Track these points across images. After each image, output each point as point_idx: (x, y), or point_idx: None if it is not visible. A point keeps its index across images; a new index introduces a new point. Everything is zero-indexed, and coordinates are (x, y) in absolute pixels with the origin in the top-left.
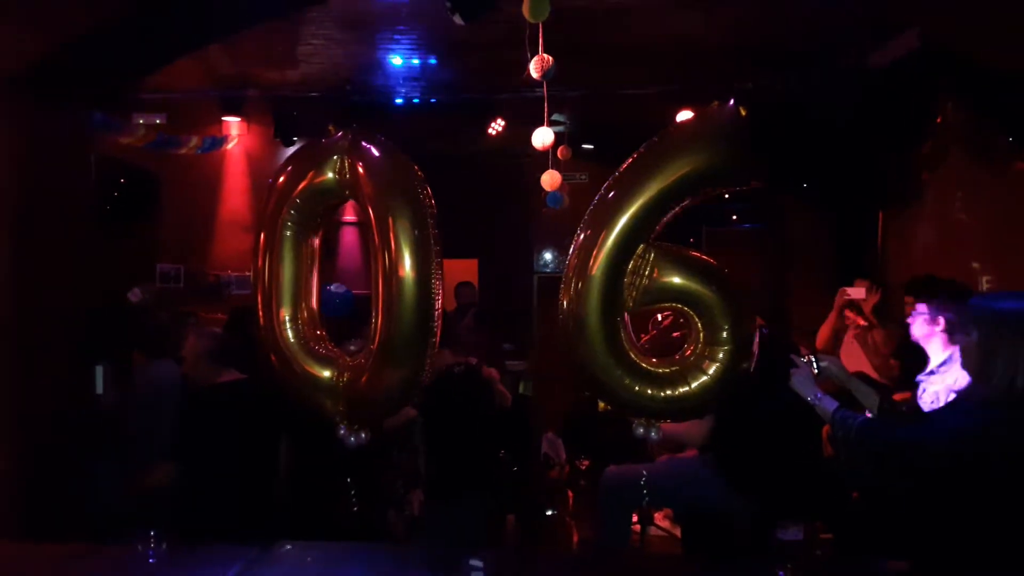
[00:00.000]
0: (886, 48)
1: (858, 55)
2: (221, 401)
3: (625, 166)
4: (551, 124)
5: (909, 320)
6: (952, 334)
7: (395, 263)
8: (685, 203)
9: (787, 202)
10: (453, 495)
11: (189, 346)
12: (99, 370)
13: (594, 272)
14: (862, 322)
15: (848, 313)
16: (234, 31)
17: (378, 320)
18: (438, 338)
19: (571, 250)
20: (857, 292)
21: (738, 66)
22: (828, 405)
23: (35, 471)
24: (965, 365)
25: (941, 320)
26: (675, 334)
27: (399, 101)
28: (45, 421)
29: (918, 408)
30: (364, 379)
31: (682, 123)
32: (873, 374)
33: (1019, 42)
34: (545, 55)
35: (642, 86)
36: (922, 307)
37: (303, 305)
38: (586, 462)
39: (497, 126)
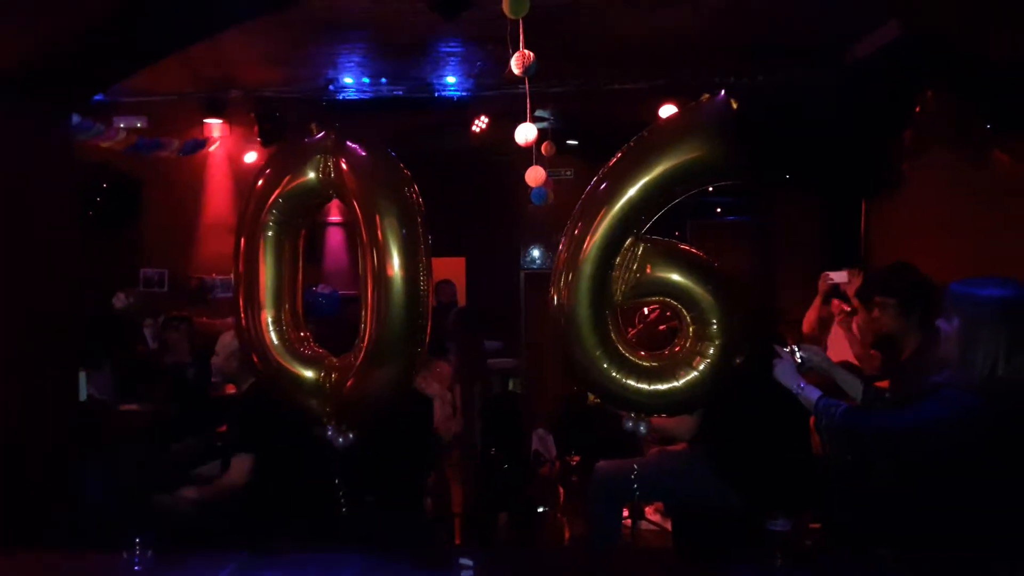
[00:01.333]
0: (868, 38)
1: (840, 46)
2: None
3: (615, 159)
4: (535, 120)
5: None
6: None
7: (383, 262)
8: (677, 197)
9: (771, 194)
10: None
11: (223, 343)
12: (83, 376)
13: (583, 265)
14: (847, 307)
15: (834, 300)
16: (214, 32)
17: (367, 320)
18: (428, 337)
19: (561, 244)
20: (840, 276)
21: (722, 60)
22: (811, 394)
23: (18, 478)
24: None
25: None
26: (661, 327)
27: (382, 99)
28: (28, 427)
29: (901, 396)
30: (352, 379)
31: (672, 116)
32: (856, 363)
33: (997, 31)
34: (526, 51)
35: (626, 81)
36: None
37: (286, 307)
38: (576, 458)
39: (481, 123)
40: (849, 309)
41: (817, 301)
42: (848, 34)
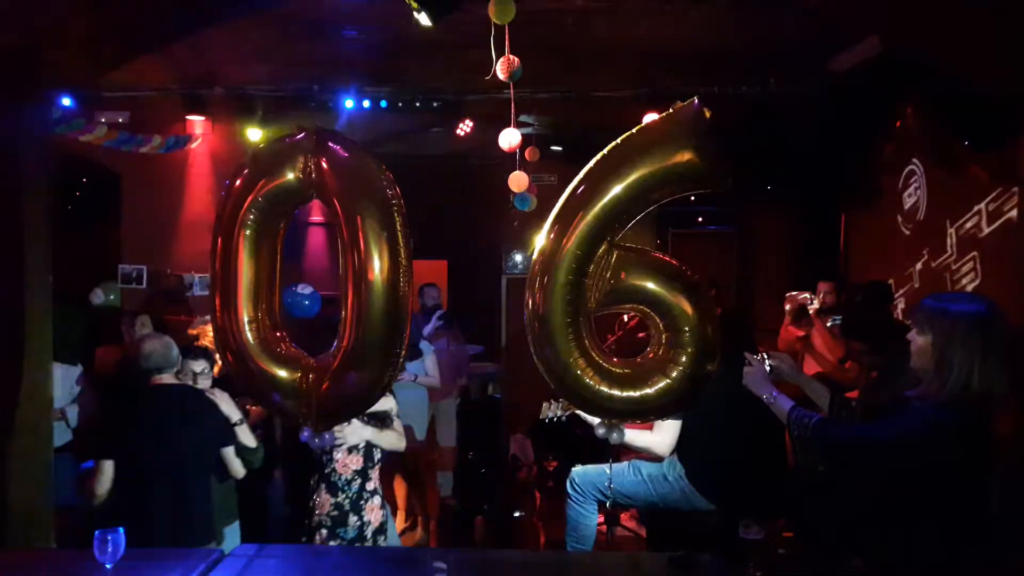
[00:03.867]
0: (848, 53)
1: (822, 60)
2: (150, 403)
3: (590, 167)
4: (519, 126)
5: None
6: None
7: (364, 264)
8: (652, 204)
9: (752, 204)
10: None
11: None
12: (57, 370)
13: (557, 272)
14: (799, 333)
15: (790, 327)
16: (199, 28)
17: (347, 321)
18: (407, 340)
19: (536, 250)
20: (803, 296)
21: (705, 70)
22: (784, 404)
23: None
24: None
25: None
26: (640, 335)
27: (367, 102)
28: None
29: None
30: (330, 380)
31: (646, 125)
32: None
33: (974, 50)
34: (512, 56)
35: (611, 89)
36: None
37: (263, 306)
38: (554, 463)
39: (465, 127)
40: (803, 334)
41: (787, 321)
42: (829, 48)
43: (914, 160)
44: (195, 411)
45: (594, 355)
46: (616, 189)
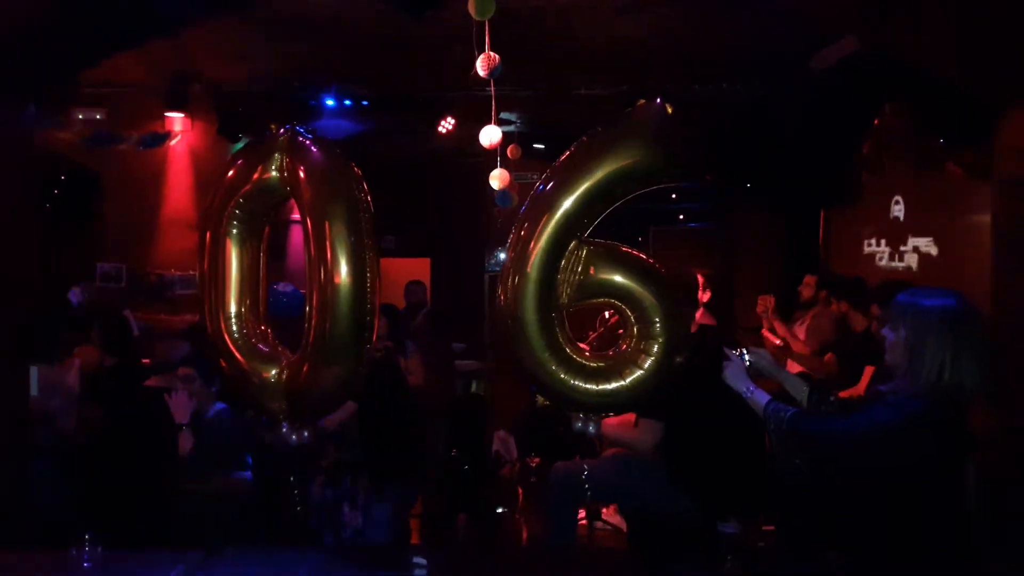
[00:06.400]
0: (827, 52)
1: (802, 59)
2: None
3: (556, 164)
4: (501, 123)
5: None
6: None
7: (331, 267)
8: (618, 200)
9: (733, 202)
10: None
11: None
12: (34, 371)
13: (529, 269)
14: (779, 343)
15: (765, 333)
16: (178, 25)
17: (312, 319)
18: (375, 336)
19: (507, 248)
20: (767, 299)
21: (685, 69)
22: (760, 398)
23: None
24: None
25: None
26: (620, 331)
27: (348, 99)
28: None
29: (850, 402)
30: (300, 376)
31: (610, 122)
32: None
33: (950, 48)
34: (492, 53)
35: (593, 87)
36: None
37: (248, 303)
38: (537, 460)
39: (447, 124)
40: (780, 343)
41: (765, 324)
42: (808, 47)
43: (894, 157)
44: (150, 410)
45: (567, 350)
46: (583, 186)
